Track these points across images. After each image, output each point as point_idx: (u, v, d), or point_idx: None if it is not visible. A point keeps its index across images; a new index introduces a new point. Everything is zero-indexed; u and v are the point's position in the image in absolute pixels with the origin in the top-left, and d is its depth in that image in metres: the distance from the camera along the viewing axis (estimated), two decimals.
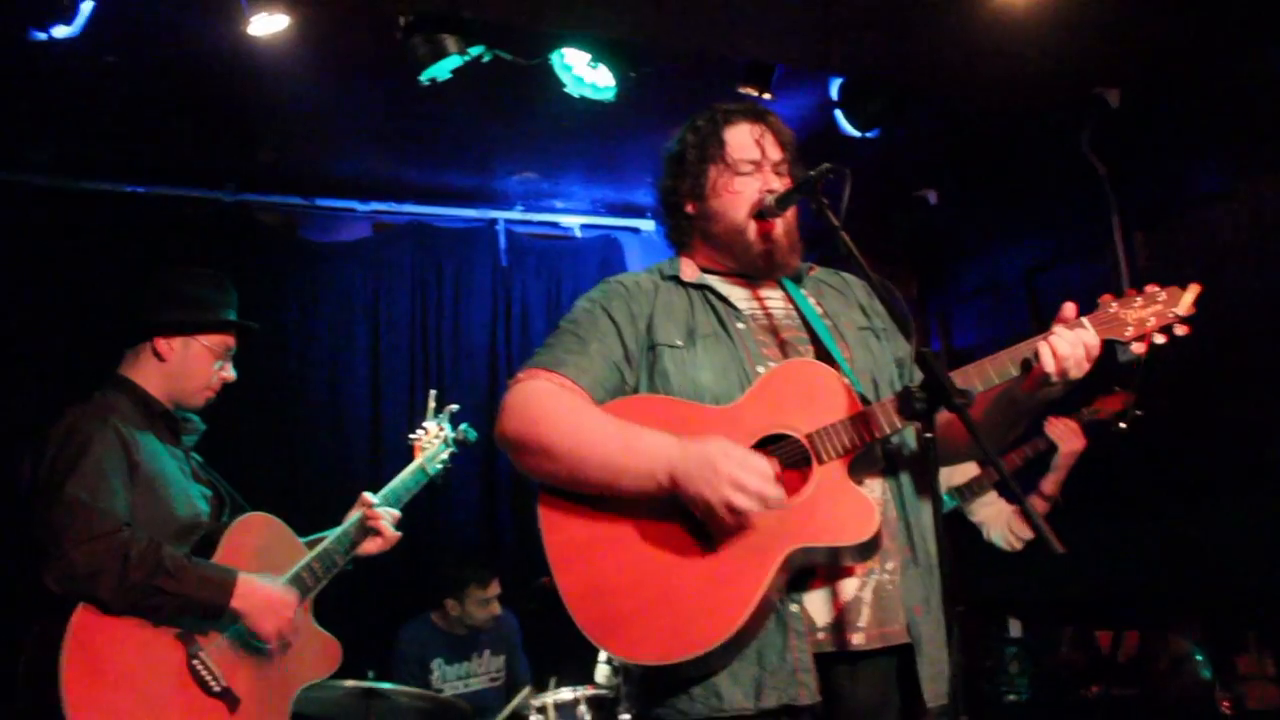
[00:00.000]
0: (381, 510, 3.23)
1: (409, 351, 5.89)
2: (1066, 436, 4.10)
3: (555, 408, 2.16)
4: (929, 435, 1.96)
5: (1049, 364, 2.07)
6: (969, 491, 4.22)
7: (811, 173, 2.22)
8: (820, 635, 2.08)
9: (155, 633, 2.68)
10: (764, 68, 4.37)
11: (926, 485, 2.39)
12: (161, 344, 3.00)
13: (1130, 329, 2.15)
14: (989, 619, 5.72)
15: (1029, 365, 2.11)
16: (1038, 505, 4.20)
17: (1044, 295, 5.34)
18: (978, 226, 5.76)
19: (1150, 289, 2.17)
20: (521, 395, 2.20)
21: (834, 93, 4.73)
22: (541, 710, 4.12)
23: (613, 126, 5.15)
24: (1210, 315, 4.50)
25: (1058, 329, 2.10)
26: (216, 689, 2.74)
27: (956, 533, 4.60)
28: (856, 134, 4.71)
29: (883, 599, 2.13)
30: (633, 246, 6.46)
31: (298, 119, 5.02)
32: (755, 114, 2.38)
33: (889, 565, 2.15)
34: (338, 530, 3.17)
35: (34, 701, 2.54)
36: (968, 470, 4.26)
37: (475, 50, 4.00)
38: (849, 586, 2.12)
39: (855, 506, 2.07)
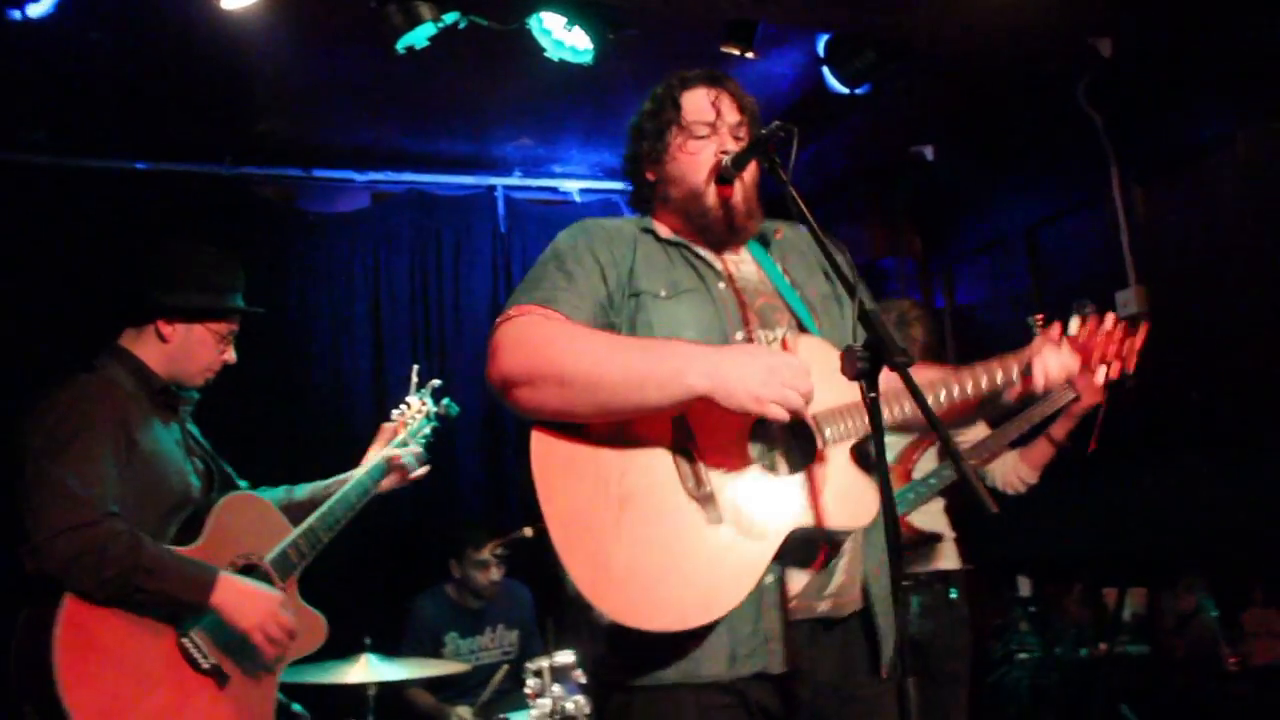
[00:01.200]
0: (405, 451, 3.34)
1: (410, 320, 5.89)
2: (1089, 390, 3.98)
3: (561, 332, 2.09)
4: (873, 395, 1.95)
5: (1039, 382, 2.26)
6: (983, 450, 4.13)
7: (763, 131, 2.19)
8: (793, 604, 2.09)
9: (144, 615, 2.69)
10: (746, 25, 4.30)
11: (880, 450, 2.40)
12: (165, 327, 2.99)
13: (1096, 359, 2.36)
14: (998, 578, 5.71)
15: (1025, 374, 2.27)
16: (1046, 449, 4.12)
17: (1045, 250, 5.25)
18: (977, 182, 5.67)
19: (1116, 323, 2.39)
20: (517, 329, 2.12)
21: (821, 49, 4.65)
22: (538, 674, 4.13)
23: (607, 89, 5.10)
24: (1211, 266, 4.45)
25: (1047, 349, 2.27)
26: (205, 666, 2.77)
27: (965, 494, 4.52)
28: (845, 90, 4.64)
29: (851, 566, 2.16)
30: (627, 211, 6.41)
31: (289, 90, 5.02)
32: (712, 79, 2.36)
33: (856, 536, 2.17)
34: (323, 508, 3.19)
35: (27, 681, 2.56)
36: (977, 432, 4.19)
37: (450, 17, 3.97)
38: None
39: (859, 492, 2.08)
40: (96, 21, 4.14)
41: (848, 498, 2.07)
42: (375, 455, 3.38)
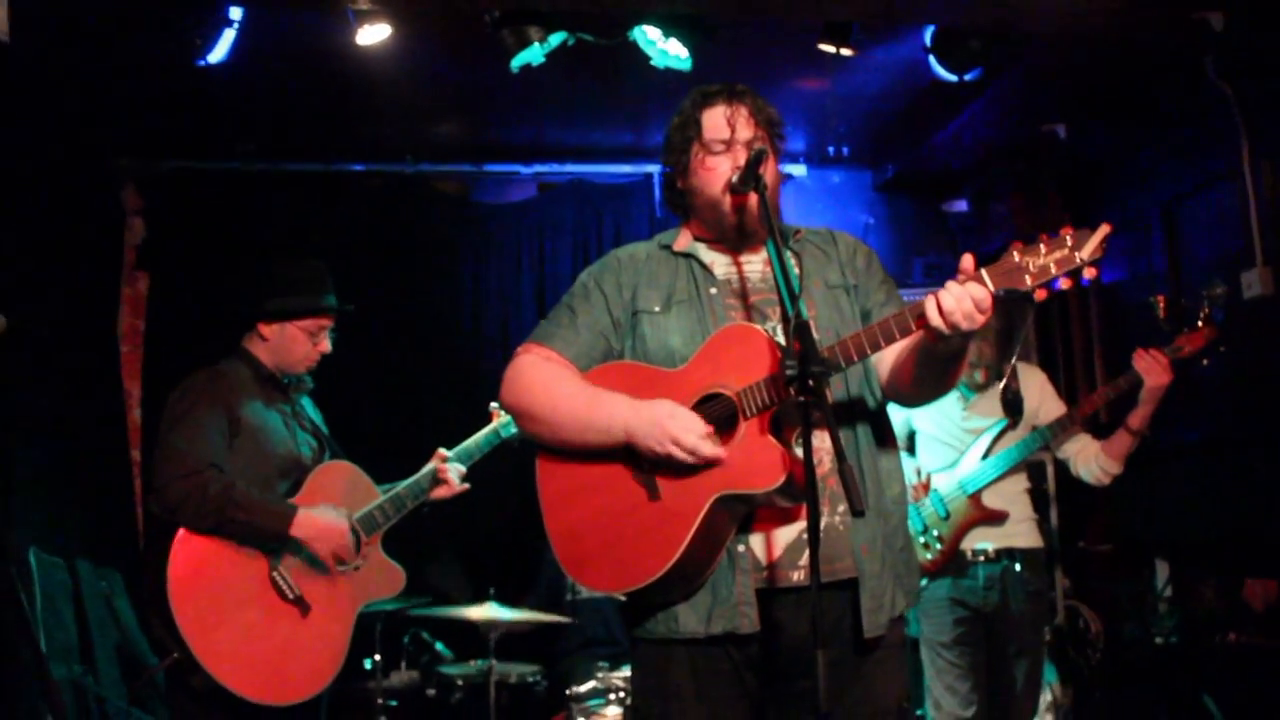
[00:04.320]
0: (451, 465, 3.83)
1: None
2: (1153, 370, 3.96)
3: (538, 378, 2.57)
4: (803, 400, 2.22)
5: (934, 319, 2.18)
6: (1058, 429, 4.18)
7: (753, 151, 2.50)
8: (764, 572, 2.41)
9: (242, 550, 3.38)
10: (842, 24, 4.44)
11: (888, 435, 2.65)
12: (263, 328, 3.65)
13: (1030, 277, 2.16)
14: (1137, 561, 5.61)
15: (920, 316, 2.23)
16: (1125, 440, 4.11)
17: (1182, 229, 5.08)
18: (1115, 160, 5.53)
19: (1064, 232, 2.15)
20: (514, 369, 2.63)
21: (927, 39, 4.72)
22: None
23: (745, 75, 5.32)
24: None
25: (949, 283, 2.19)
26: (291, 596, 3.42)
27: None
28: (953, 78, 4.69)
29: (830, 539, 2.39)
30: (786, 191, 6.60)
31: (454, 97, 5.62)
32: (730, 95, 2.60)
33: (840, 509, 2.41)
34: (411, 479, 3.77)
35: (152, 596, 3.31)
36: (1052, 410, 4.24)
37: (557, 37, 4.36)
38: (793, 529, 2.42)
39: (768, 456, 2.34)
40: (274, 58, 4.82)
41: (757, 463, 2.34)
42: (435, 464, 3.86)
